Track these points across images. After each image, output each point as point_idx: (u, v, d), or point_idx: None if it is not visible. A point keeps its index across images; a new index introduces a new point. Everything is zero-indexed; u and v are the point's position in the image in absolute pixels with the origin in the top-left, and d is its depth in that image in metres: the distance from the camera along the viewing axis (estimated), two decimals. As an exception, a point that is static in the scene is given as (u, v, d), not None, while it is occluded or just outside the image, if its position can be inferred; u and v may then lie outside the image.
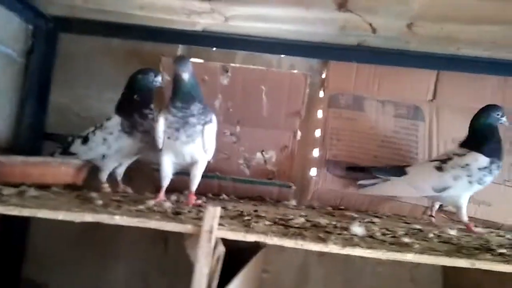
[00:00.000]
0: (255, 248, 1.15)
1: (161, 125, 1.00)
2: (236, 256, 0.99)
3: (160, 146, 1.01)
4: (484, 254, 0.82)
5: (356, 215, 1.15)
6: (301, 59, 1.52)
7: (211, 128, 1.03)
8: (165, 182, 1.02)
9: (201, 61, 1.42)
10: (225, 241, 0.78)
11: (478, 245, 0.89)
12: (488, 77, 1.41)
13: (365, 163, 1.32)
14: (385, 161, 1.35)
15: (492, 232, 1.15)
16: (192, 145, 0.99)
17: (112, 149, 1.15)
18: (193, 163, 1.03)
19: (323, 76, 1.49)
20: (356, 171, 1.27)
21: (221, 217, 0.84)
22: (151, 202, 0.92)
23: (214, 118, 1.05)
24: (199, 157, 1.02)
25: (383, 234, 0.90)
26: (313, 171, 1.37)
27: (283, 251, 1.34)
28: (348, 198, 1.30)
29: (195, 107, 0.98)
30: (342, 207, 1.30)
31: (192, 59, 1.45)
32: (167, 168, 1.01)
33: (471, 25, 1.23)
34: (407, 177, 1.17)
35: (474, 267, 0.76)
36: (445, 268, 1.29)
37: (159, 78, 1.21)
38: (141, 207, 0.88)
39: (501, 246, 0.89)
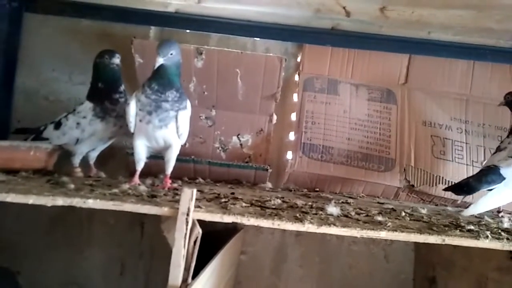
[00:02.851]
0: (232, 230, 1.16)
1: (132, 108, 0.98)
2: (214, 239, 1.00)
3: (132, 129, 0.99)
4: (453, 230, 0.85)
5: (331, 197, 1.17)
6: (276, 43, 1.52)
7: (185, 114, 1.02)
8: (139, 166, 1.00)
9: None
10: (202, 224, 0.77)
11: (448, 222, 0.93)
12: (458, 61, 1.45)
13: (338, 145, 1.34)
14: (358, 144, 1.37)
15: (461, 211, 1.19)
16: (165, 130, 0.98)
17: (85, 133, 1.12)
18: (166, 147, 1.02)
19: (298, 59, 1.50)
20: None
21: (197, 199, 0.84)
22: (125, 186, 0.90)
23: (188, 104, 1.04)
24: (173, 141, 1.01)
25: (358, 214, 0.92)
26: (289, 154, 1.39)
27: (261, 232, 1.36)
28: (323, 180, 1.32)
29: (171, 94, 0.97)
30: (317, 189, 1.32)
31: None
32: (140, 151, 1.00)
33: (441, 10, 1.25)
34: (507, 181, 0.99)
35: (444, 243, 0.79)
36: (416, 245, 1.34)
37: (116, 60, 1.15)
38: (115, 190, 0.86)
39: (469, 223, 0.93)
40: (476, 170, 1.35)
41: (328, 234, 0.82)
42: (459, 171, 1.34)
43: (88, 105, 1.13)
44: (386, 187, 1.32)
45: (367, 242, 1.34)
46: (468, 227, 0.87)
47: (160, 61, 0.95)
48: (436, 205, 1.30)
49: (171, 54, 0.96)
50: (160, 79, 0.97)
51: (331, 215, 0.87)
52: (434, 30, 1.41)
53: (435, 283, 1.21)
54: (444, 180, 1.33)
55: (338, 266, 1.36)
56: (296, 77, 1.48)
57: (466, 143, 1.37)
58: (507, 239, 0.82)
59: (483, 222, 0.96)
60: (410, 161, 1.34)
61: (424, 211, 1.05)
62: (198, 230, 0.78)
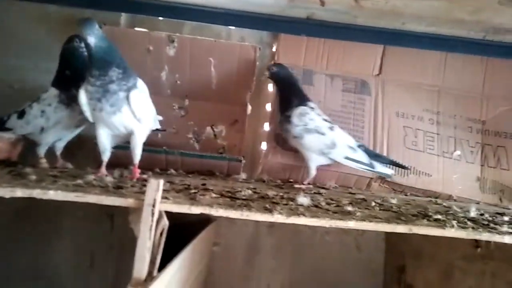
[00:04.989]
0: (205, 222, 1.14)
1: (82, 98, 0.94)
2: (187, 230, 0.98)
3: (90, 119, 0.96)
4: (421, 220, 0.86)
5: (304, 187, 1.17)
6: (252, 32, 1.50)
7: (138, 94, 0.96)
8: (105, 156, 0.97)
9: (145, 30, 1.35)
10: (174, 215, 0.76)
11: (416, 212, 0.94)
12: (430, 52, 1.46)
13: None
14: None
15: (431, 200, 1.21)
16: (119, 115, 0.94)
17: (50, 121, 1.08)
18: (129, 134, 0.98)
19: (274, 49, 1.48)
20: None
21: (166, 190, 0.82)
22: (90, 177, 0.87)
23: (140, 83, 0.98)
24: (134, 127, 0.97)
25: (328, 204, 0.92)
26: (263, 145, 1.38)
27: (234, 224, 1.35)
28: (297, 171, 1.32)
29: (113, 73, 0.91)
30: (291, 180, 1.31)
31: (137, 28, 1.41)
32: (104, 141, 0.96)
33: (415, 0, 1.26)
34: None
35: (411, 232, 0.80)
36: (387, 235, 1.36)
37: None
38: (79, 181, 0.83)
39: (437, 212, 0.94)
40: (446, 160, 1.38)
41: (301, 224, 0.82)
42: (430, 162, 1.36)
43: (53, 92, 1.09)
44: (359, 178, 1.33)
45: (339, 232, 1.35)
46: (435, 217, 0.89)
47: (92, 40, 0.89)
48: (406, 194, 1.32)
49: (97, 30, 0.91)
50: (96, 60, 0.91)
51: (301, 205, 0.87)
52: (408, 21, 1.41)
53: (404, 271, 1.23)
54: (415, 171, 1.35)
55: (310, 256, 1.37)
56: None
57: (438, 134, 1.39)
58: (472, 228, 0.83)
59: (451, 212, 0.98)
60: (382, 152, 1.35)
61: (394, 201, 1.06)
62: (165, 222, 0.76)
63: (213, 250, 1.32)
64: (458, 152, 1.37)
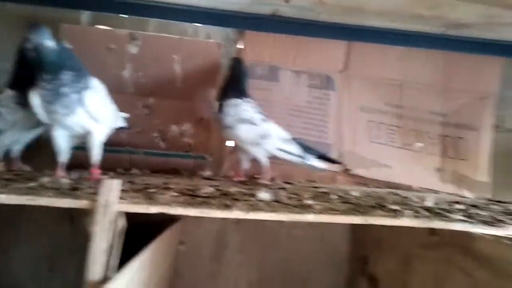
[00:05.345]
0: (170, 221, 1.14)
1: (34, 100, 0.92)
2: (151, 231, 0.98)
3: (45, 121, 0.94)
4: (377, 211, 0.88)
5: (269, 183, 1.18)
6: (218, 29, 1.49)
7: (92, 94, 0.94)
8: (62, 158, 0.95)
9: (107, 28, 1.33)
10: (138, 216, 0.75)
11: (374, 203, 0.96)
12: (393, 48, 1.49)
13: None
14: (297, 130, 1.39)
15: (391, 192, 1.24)
16: (73, 116, 0.92)
17: (7, 123, 1.05)
18: (87, 135, 0.96)
19: (240, 46, 1.48)
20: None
21: (124, 191, 0.82)
22: (44, 179, 0.86)
23: (95, 83, 0.96)
24: (90, 127, 0.96)
25: (289, 198, 0.94)
26: (229, 142, 1.38)
27: (201, 221, 1.35)
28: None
29: (65, 75, 0.90)
30: (257, 176, 1.32)
31: (98, 26, 1.38)
32: (60, 142, 0.94)
33: (374, -4, 1.28)
34: None
35: (366, 223, 0.82)
36: (352, 227, 1.39)
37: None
38: (32, 184, 0.81)
39: (394, 203, 0.97)
40: (407, 152, 1.42)
41: (267, 220, 0.83)
42: (392, 154, 1.40)
43: (9, 93, 1.06)
44: (325, 172, 1.35)
45: (306, 226, 1.37)
46: (391, 207, 0.91)
47: (42, 45, 0.87)
48: (369, 187, 1.35)
49: (47, 34, 0.89)
50: (47, 64, 0.89)
51: (262, 201, 0.88)
52: (370, 17, 1.44)
53: (367, 262, 1.26)
54: (379, 164, 1.38)
55: (277, 251, 1.39)
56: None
57: (400, 127, 1.43)
58: (426, 217, 0.87)
59: (408, 202, 1.01)
60: (347, 146, 1.38)
61: (355, 194, 1.08)
62: (122, 223, 0.76)
63: (179, 249, 1.32)
64: (419, 144, 1.41)
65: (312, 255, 1.38)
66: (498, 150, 1.42)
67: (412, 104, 1.44)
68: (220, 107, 1.15)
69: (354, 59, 1.48)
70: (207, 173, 1.27)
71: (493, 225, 0.85)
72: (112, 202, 0.73)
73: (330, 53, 1.48)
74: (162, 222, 1.08)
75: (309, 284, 1.38)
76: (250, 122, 1.12)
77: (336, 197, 1.02)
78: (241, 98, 1.15)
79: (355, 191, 1.11)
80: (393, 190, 1.26)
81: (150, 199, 0.81)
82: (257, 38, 1.47)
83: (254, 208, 0.81)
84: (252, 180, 1.20)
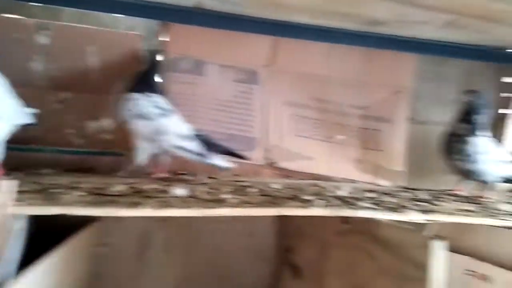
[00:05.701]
0: (87, 222, 1.09)
1: None
2: (67, 233, 0.92)
3: None
4: (291, 202, 0.91)
5: (192, 178, 1.16)
6: (140, 20, 1.43)
7: None
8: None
9: (13, 16, 1.23)
10: (51, 219, 0.70)
11: (291, 195, 0.99)
12: (318, 44, 1.52)
13: (202, 127, 1.34)
14: (226, 125, 1.39)
15: (312, 183, 1.28)
16: None
17: None
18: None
19: (163, 39, 1.44)
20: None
21: (23, 191, 0.76)
22: None
23: None
24: None
25: (208, 193, 0.93)
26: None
27: (123, 222, 1.30)
28: (184, 163, 1.31)
29: None
30: (180, 172, 1.30)
31: (3, 15, 1.27)
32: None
33: (294, -8, 1.30)
34: None
35: (280, 214, 0.84)
36: (276, 219, 1.42)
37: None
38: None
39: (310, 194, 1.00)
40: (329, 144, 1.47)
41: (193, 217, 0.81)
42: (315, 147, 1.44)
43: None
44: (250, 166, 1.36)
45: (232, 220, 1.37)
46: (306, 198, 0.94)
47: None
48: (292, 179, 1.38)
49: None
50: None
51: (176, 197, 0.87)
52: (294, 13, 1.47)
53: (291, 252, 1.30)
54: (303, 156, 1.42)
55: (204, 247, 1.38)
56: (161, 57, 1.42)
57: (323, 120, 1.47)
58: (337, 206, 0.90)
59: (324, 192, 1.05)
60: (272, 140, 1.40)
61: (276, 186, 1.11)
62: (20, 226, 0.70)
63: (99, 250, 1.27)
64: (340, 137, 1.47)
65: (239, 250, 1.39)
66: (412, 141, 1.52)
67: (334, 98, 1.49)
68: (121, 101, 1.11)
69: (279, 54, 1.50)
70: (125, 170, 1.23)
71: (396, 211, 0.91)
72: (5, 204, 0.68)
73: (255, 47, 1.49)
74: (81, 223, 1.03)
75: (236, 278, 1.39)
76: (146, 117, 1.10)
77: (256, 190, 1.03)
78: (143, 93, 1.11)
79: (277, 184, 1.13)
80: (315, 182, 1.30)
81: (52, 199, 0.76)
82: (182, 31, 1.44)
83: (166, 205, 0.79)
84: (175, 176, 1.18)
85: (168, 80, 1.38)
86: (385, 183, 1.44)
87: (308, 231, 1.19)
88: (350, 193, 1.07)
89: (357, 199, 0.99)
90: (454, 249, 1.37)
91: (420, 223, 0.91)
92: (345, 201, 0.96)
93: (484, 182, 1.22)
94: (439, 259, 0.72)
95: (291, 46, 1.51)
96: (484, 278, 1.27)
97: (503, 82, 1.65)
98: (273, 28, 1.50)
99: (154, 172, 1.16)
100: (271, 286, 1.39)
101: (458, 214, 0.96)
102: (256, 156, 1.38)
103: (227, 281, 1.37)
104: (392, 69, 1.51)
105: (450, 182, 1.34)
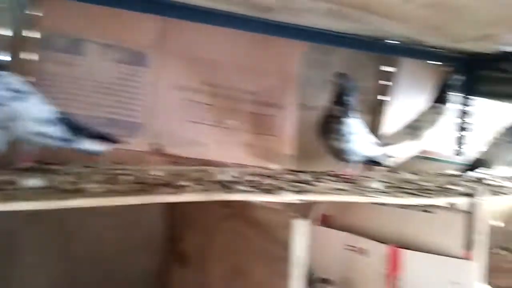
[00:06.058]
0: None
1: None
2: None
3: None
4: (164, 188, 0.87)
5: (60, 168, 1.06)
6: (5, -10, 1.27)
7: None
8: None
9: None
10: None
11: (167, 182, 0.94)
12: (209, 27, 1.47)
13: (79, 112, 1.23)
14: (107, 109, 1.30)
15: (199, 169, 1.25)
16: None
17: None
18: None
19: (34, 13, 1.29)
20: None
21: None
22: None
23: None
24: None
25: (70, 183, 0.85)
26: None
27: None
28: (55, 152, 1.19)
29: None
30: (50, 161, 1.17)
31: None
32: None
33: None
34: None
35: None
36: (167, 208, 1.37)
37: None
38: None
39: (189, 180, 0.97)
40: (222, 130, 1.46)
41: (71, 209, 0.72)
42: (207, 132, 1.42)
43: None
44: (134, 153, 1.29)
45: (115, 212, 1.28)
46: (181, 184, 0.91)
47: None
48: (182, 166, 1.34)
49: None
50: None
51: (27, 188, 0.78)
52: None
53: (179, 241, 1.27)
54: (193, 142, 1.39)
55: (82, 243, 1.27)
56: (33, 34, 1.27)
57: (215, 105, 1.45)
58: (214, 190, 0.89)
59: (205, 178, 1.03)
60: (161, 125, 1.35)
61: (158, 173, 1.06)
62: None
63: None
64: (232, 122, 1.47)
65: (123, 243, 1.31)
66: (302, 126, 1.58)
67: (226, 83, 1.48)
68: None
69: (169, 36, 1.43)
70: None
71: (271, 193, 0.93)
72: None
73: (143, 27, 1.40)
74: None
75: (122, 272, 1.31)
76: None
77: (131, 178, 0.97)
78: None
79: (159, 171, 1.09)
80: (203, 167, 1.28)
81: None
82: (58, 5, 1.29)
83: (10, 198, 0.70)
84: (40, 166, 1.06)
85: (42, 60, 1.24)
86: (275, 167, 1.47)
87: (195, 218, 1.17)
88: (232, 177, 1.07)
89: (237, 182, 0.99)
90: (336, 226, 1.47)
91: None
92: (224, 185, 0.96)
93: (354, 162, 1.30)
94: (302, 238, 0.74)
95: (181, 28, 1.45)
96: (362, 251, 1.38)
97: (382, 70, 1.79)
98: (162, 8, 1.42)
99: (17, 162, 1.03)
100: (159, 277, 1.35)
101: (330, 193, 1.01)
102: (140, 142, 1.31)
103: (112, 276, 1.29)
104: (281, 55, 1.54)
105: (341, 165, 1.40)
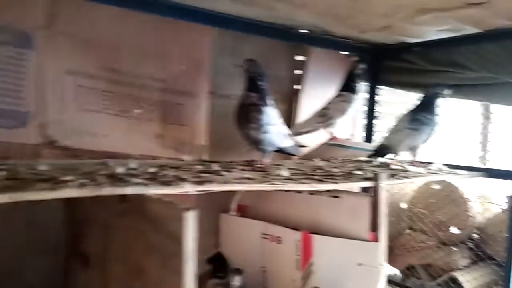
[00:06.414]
0: None
1: None
2: None
3: None
4: (41, 184, 0.76)
5: None
6: None
7: None
8: None
9: None
10: None
11: (47, 177, 0.83)
12: (108, 8, 1.31)
13: None
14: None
15: (99, 162, 1.14)
16: None
17: None
18: None
19: None
20: None
21: None
22: None
23: None
24: None
25: None
26: None
27: None
28: None
29: None
30: None
31: None
32: None
33: None
34: None
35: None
36: (65, 207, 1.24)
37: None
38: None
39: (78, 174, 0.87)
40: (126, 120, 1.35)
41: None
42: (108, 122, 1.31)
43: None
44: (21, 146, 1.14)
45: (5, 211, 1.12)
46: (64, 179, 0.81)
47: None
48: (80, 159, 1.22)
49: None
50: None
51: None
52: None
53: (80, 240, 1.15)
54: (92, 133, 1.27)
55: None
56: None
57: (116, 93, 1.34)
58: (103, 184, 0.80)
59: (99, 171, 0.93)
60: (52, 115, 1.20)
61: (43, 168, 0.94)
62: None
63: None
64: (138, 111, 1.36)
65: (18, 244, 1.16)
66: (214, 114, 1.52)
67: (129, 69, 1.36)
68: None
69: (59, 16, 1.25)
70: None
71: (170, 185, 0.86)
72: None
73: (28, 4, 1.23)
74: None
75: (18, 276, 1.16)
76: None
77: (4, 173, 0.84)
78: None
79: (46, 165, 0.96)
80: (102, 160, 1.16)
81: None
82: None
83: None
84: None
85: None
86: (188, 158, 1.40)
87: (94, 216, 1.06)
88: (131, 170, 0.99)
89: (134, 175, 0.91)
90: (252, 216, 1.46)
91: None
92: (118, 179, 0.87)
93: (269, 151, 1.28)
94: (191, 230, 0.69)
95: (76, 7, 1.29)
96: (276, 239, 1.37)
97: (296, 60, 1.80)
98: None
99: None
100: (61, 280, 1.22)
101: (235, 183, 0.97)
102: (29, 133, 1.16)
103: (8, 281, 1.13)
104: (191, 41, 1.47)
105: (254, 154, 1.37)
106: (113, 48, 1.34)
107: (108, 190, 0.77)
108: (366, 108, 1.95)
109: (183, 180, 0.92)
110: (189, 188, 0.87)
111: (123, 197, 0.93)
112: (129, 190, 0.80)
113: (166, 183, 0.86)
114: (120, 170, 0.95)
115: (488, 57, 1.48)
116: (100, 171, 0.95)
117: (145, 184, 0.83)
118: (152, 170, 1.01)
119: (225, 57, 1.56)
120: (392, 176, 1.28)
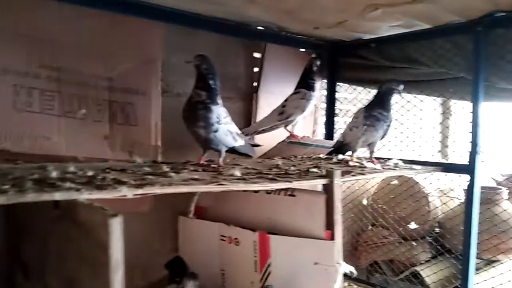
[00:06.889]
0: None
1: None
2: None
3: None
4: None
5: None
6: None
7: None
8: None
9: None
10: None
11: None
12: (44, 3, 1.24)
13: None
14: None
15: (37, 166, 1.07)
16: None
17: None
18: None
19: None
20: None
21: None
22: None
23: None
24: None
25: None
26: None
27: None
28: None
29: None
30: None
31: None
32: None
33: None
34: None
35: None
36: (5, 216, 1.15)
37: None
38: None
39: (6, 180, 0.80)
40: (70, 121, 1.28)
41: None
42: (50, 124, 1.23)
43: None
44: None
45: None
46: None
47: None
48: (17, 163, 1.14)
49: None
50: None
51: None
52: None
53: (20, 250, 1.07)
54: (33, 135, 1.19)
55: None
56: None
57: (58, 92, 1.26)
58: (29, 189, 0.73)
59: (29, 176, 0.87)
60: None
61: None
62: None
63: None
64: (83, 111, 1.29)
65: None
66: (168, 114, 1.46)
67: (72, 67, 1.28)
68: None
69: None
70: None
71: (105, 189, 0.80)
72: None
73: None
74: None
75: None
76: None
77: None
78: None
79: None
80: (40, 164, 1.09)
81: None
82: None
83: None
84: None
85: None
86: (139, 159, 1.34)
87: (30, 223, 0.99)
88: (67, 174, 0.92)
89: (68, 180, 0.85)
90: (211, 218, 1.41)
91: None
92: (48, 184, 0.81)
93: (219, 151, 1.24)
94: (118, 237, 0.64)
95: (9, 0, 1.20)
96: (234, 241, 1.34)
97: (254, 57, 1.77)
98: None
99: None
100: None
101: (180, 184, 0.93)
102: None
103: None
104: (140, 38, 1.40)
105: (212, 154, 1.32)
106: (54, 45, 1.25)
107: (32, 197, 0.71)
108: (326, 106, 1.94)
109: (122, 183, 0.86)
110: (127, 192, 0.81)
111: (56, 203, 0.87)
112: (57, 196, 0.74)
113: (101, 187, 0.80)
114: (54, 174, 0.89)
115: (440, 53, 1.50)
116: (33, 175, 0.88)
117: (77, 189, 0.77)
118: (90, 173, 0.95)
119: (179, 54, 1.50)
120: (348, 173, 1.27)
